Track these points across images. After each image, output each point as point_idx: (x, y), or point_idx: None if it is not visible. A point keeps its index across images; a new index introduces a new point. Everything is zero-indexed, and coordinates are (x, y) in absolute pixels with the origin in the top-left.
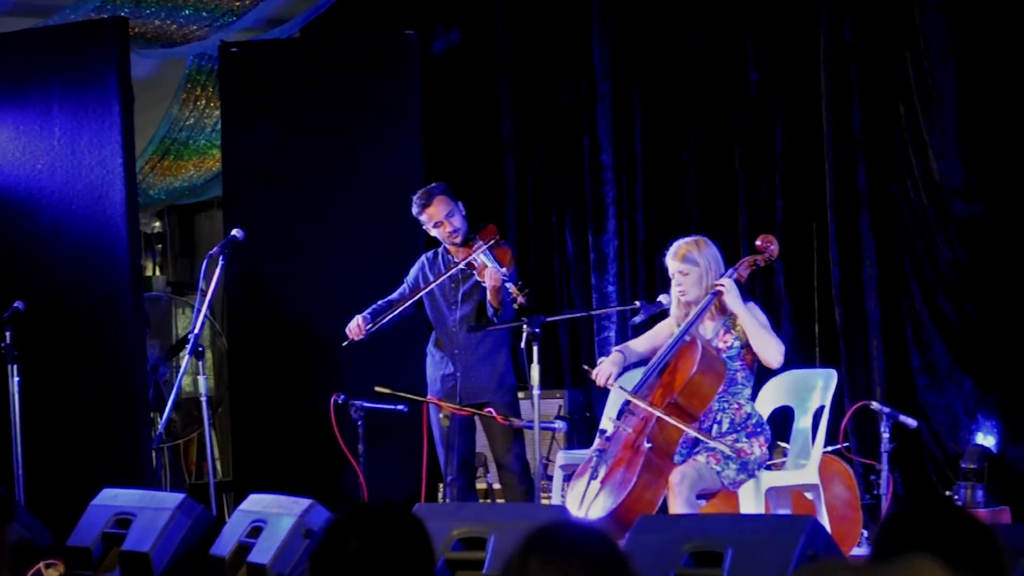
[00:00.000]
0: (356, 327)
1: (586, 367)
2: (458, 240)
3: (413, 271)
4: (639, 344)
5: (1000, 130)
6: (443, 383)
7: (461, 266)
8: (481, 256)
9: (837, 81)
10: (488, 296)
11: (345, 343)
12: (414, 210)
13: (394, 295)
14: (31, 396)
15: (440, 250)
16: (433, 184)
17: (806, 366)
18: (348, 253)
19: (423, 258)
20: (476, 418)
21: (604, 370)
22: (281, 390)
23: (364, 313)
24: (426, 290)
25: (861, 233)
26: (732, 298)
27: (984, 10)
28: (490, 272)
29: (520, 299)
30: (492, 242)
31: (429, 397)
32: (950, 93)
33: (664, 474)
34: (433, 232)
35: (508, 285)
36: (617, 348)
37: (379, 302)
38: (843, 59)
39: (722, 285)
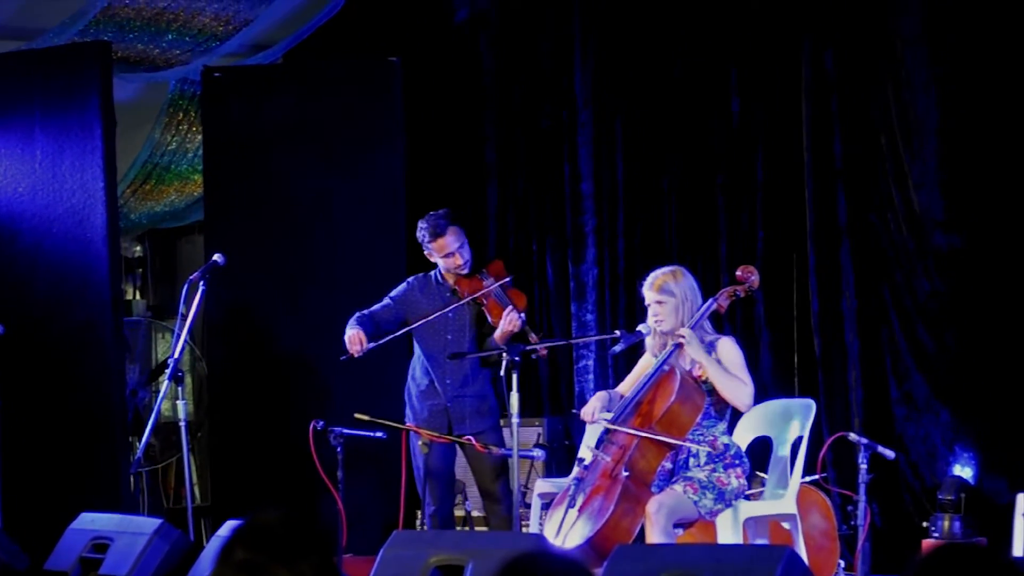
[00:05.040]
0: (359, 342)
1: (575, 411)
2: (464, 272)
3: (401, 290)
4: (625, 386)
5: (980, 162)
6: (431, 412)
7: (467, 301)
8: (494, 297)
9: (818, 112)
10: (496, 336)
11: (344, 357)
12: (423, 237)
13: (376, 308)
14: (10, 419)
15: (434, 275)
16: (440, 212)
17: (785, 396)
18: (329, 278)
19: (413, 280)
20: (456, 446)
21: (589, 407)
22: (260, 416)
23: (357, 326)
24: (426, 320)
25: (841, 264)
26: (693, 348)
27: (966, 42)
28: (510, 318)
29: (541, 351)
30: (505, 281)
31: (408, 424)
32: (931, 124)
33: (641, 503)
34: (438, 261)
35: (532, 336)
36: (605, 391)
37: (363, 312)
38: (824, 90)
39: (682, 336)
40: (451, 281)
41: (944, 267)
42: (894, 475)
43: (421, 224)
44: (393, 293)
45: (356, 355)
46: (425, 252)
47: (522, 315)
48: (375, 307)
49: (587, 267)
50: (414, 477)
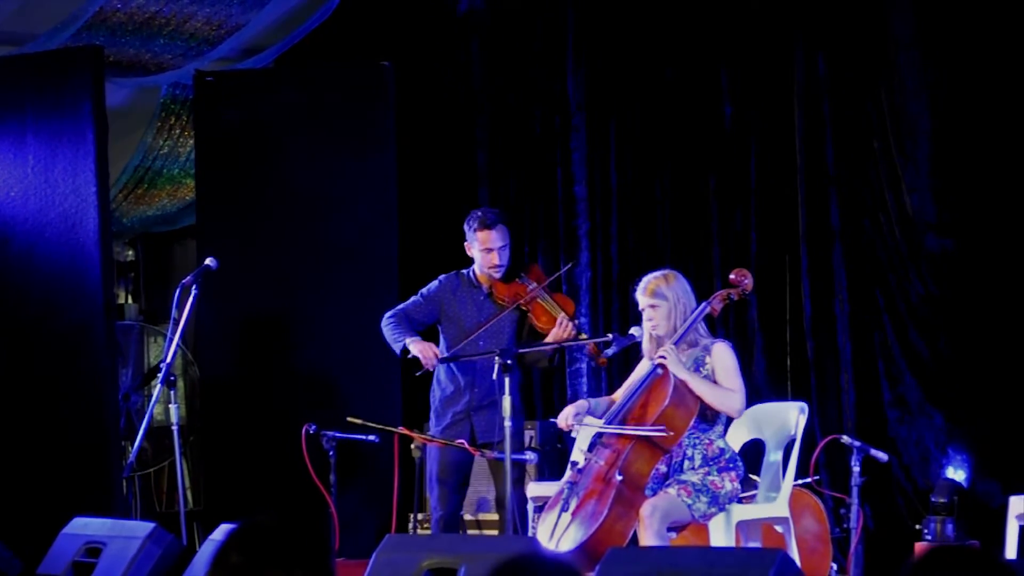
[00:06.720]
0: (434, 356)
1: (553, 419)
2: (498, 275)
3: (432, 288)
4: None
5: (973, 166)
6: (454, 419)
7: (511, 309)
8: (539, 300)
9: (811, 116)
10: (548, 339)
11: (419, 372)
12: (471, 224)
13: (408, 305)
14: (2, 423)
15: (468, 273)
16: (496, 209)
17: (777, 399)
18: (321, 283)
19: (444, 279)
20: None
21: (565, 413)
22: (253, 420)
23: (417, 336)
24: (480, 330)
25: (833, 267)
26: (674, 367)
27: (958, 46)
28: (563, 325)
29: (602, 359)
30: (547, 284)
31: (401, 428)
32: (924, 128)
33: (635, 506)
34: (475, 254)
35: (588, 343)
36: (585, 400)
37: (395, 312)
38: (817, 94)
39: (663, 356)
40: (486, 284)
41: (937, 270)
42: (887, 478)
43: (473, 213)
44: (424, 290)
45: (432, 369)
46: (466, 242)
47: (574, 321)
48: (406, 304)
49: (580, 270)
50: (427, 484)
